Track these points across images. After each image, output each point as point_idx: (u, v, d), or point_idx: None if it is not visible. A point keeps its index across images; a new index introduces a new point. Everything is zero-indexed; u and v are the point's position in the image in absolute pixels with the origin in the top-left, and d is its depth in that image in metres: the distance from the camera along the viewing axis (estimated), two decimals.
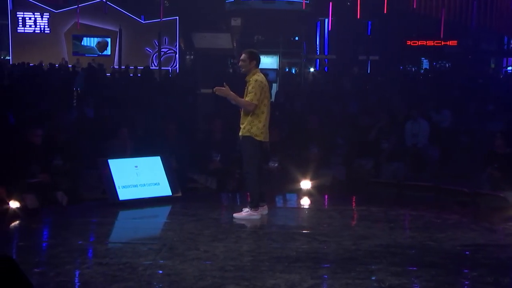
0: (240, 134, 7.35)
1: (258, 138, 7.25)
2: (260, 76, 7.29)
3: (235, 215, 7.43)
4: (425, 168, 10.62)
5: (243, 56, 7.36)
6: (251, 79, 7.25)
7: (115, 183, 8.24)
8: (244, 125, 7.28)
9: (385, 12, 31.36)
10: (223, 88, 7.27)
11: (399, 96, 14.99)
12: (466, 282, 5.43)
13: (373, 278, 5.39)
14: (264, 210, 7.57)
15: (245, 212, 7.42)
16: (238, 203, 8.89)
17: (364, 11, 31.00)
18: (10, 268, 3.66)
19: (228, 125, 10.65)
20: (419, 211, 8.19)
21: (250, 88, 7.20)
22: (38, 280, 5.02)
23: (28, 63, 24.11)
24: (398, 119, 11.95)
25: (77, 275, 5.49)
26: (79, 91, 18.33)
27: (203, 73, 24.27)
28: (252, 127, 7.24)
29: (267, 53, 26.51)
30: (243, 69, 7.39)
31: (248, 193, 7.48)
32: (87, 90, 17.37)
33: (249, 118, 7.24)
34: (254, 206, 7.39)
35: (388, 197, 9.32)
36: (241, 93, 7.38)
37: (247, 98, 7.21)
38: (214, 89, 7.43)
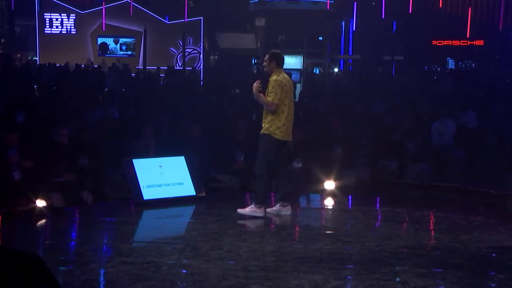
0: (261, 132, 7.51)
1: (276, 137, 7.37)
2: (280, 76, 7.43)
3: (239, 210, 7.54)
4: (450, 169, 10.52)
5: (265, 56, 7.58)
6: (271, 79, 7.42)
7: (139, 182, 8.29)
8: (264, 124, 7.45)
9: (410, 11, 31.12)
10: (255, 84, 7.49)
11: (424, 96, 14.86)
12: (493, 285, 5.37)
13: (398, 279, 5.35)
14: (287, 210, 7.65)
15: (250, 208, 7.52)
16: (264, 203, 8.90)
17: (389, 11, 30.81)
18: (37, 267, 3.70)
19: (252, 125, 10.68)
20: (445, 213, 8.11)
21: (270, 88, 7.37)
22: (64, 279, 5.07)
23: (55, 64, 24.39)
24: (423, 120, 11.85)
25: (102, 274, 5.54)
26: (104, 92, 18.50)
27: (227, 73, 24.32)
28: (271, 125, 7.38)
29: (291, 53, 26.45)
30: (265, 69, 7.61)
31: (255, 190, 7.66)
32: (112, 90, 17.52)
33: (270, 117, 7.40)
34: (259, 202, 7.50)
35: (412, 198, 9.25)
36: (263, 93, 7.48)
37: (268, 98, 7.36)
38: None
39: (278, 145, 7.45)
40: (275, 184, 7.95)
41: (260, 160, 7.47)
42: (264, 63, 7.58)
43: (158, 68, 23.96)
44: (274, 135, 7.38)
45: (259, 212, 7.48)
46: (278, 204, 7.69)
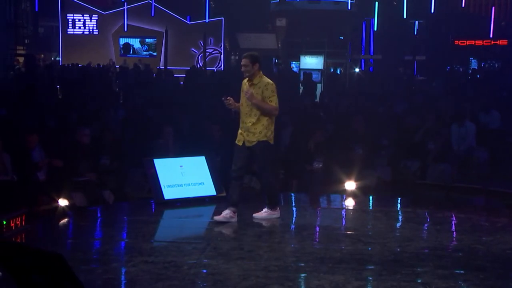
0: (251, 139, 7.17)
1: (271, 142, 7.24)
2: (268, 79, 7.26)
3: (254, 215, 7.40)
4: (473, 170, 10.42)
5: (244, 61, 7.16)
6: (260, 82, 7.14)
7: (160, 182, 8.32)
8: (259, 130, 7.12)
9: (432, 11, 30.89)
10: (231, 99, 7.27)
11: (446, 97, 14.74)
12: None
13: (419, 280, 5.32)
14: (234, 217, 7.29)
15: (265, 212, 7.40)
16: (282, 203, 8.89)
17: (411, 11, 30.61)
18: (59, 265, 3.74)
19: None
20: (467, 214, 8.03)
21: (268, 92, 7.08)
22: (86, 277, 5.10)
23: (77, 64, 24.60)
24: (445, 120, 11.76)
25: (123, 273, 5.58)
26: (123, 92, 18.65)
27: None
28: (268, 131, 7.16)
29: (312, 53, 26.38)
30: (247, 74, 7.18)
31: (268, 197, 7.45)
32: (133, 90, 17.62)
33: (265, 122, 7.13)
34: (274, 205, 7.40)
35: (434, 199, 9.17)
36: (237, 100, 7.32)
37: (272, 104, 7.12)
38: (225, 99, 7.31)
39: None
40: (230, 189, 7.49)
41: (267, 169, 7.33)
42: (245, 68, 7.12)
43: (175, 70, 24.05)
44: (271, 141, 7.23)
45: (276, 214, 7.39)
46: (229, 210, 7.25)
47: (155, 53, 30.88)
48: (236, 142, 7.31)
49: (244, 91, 7.20)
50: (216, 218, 7.27)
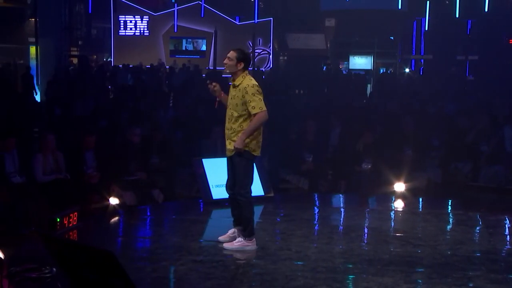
0: (230, 147, 6.10)
1: (255, 154, 6.11)
2: (253, 80, 6.09)
3: (225, 245, 6.23)
4: None
5: (230, 53, 6.12)
6: (241, 84, 6.02)
7: (209, 182, 8.40)
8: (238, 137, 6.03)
9: (486, 10, 30.21)
10: (216, 85, 6.31)
11: (499, 97, 14.41)
12: None
13: (471, 285, 5.22)
14: (252, 245, 6.18)
15: (237, 242, 6.21)
16: (332, 204, 8.88)
17: (464, 10, 30.01)
18: (111, 263, 3.80)
19: (321, 126, 10.63)
20: None
21: (249, 95, 5.92)
22: (136, 275, 5.17)
23: (128, 65, 25.00)
24: (499, 121, 11.49)
25: (172, 272, 5.64)
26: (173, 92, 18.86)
27: (296, 74, 24.31)
28: (251, 140, 6.02)
29: (361, 53, 26.21)
30: (227, 70, 6.16)
31: (242, 222, 6.18)
32: (183, 90, 17.80)
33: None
34: (248, 234, 6.16)
35: (487, 201, 8.98)
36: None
37: (253, 104, 5.91)
38: (210, 83, 6.33)
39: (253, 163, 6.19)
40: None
41: (243, 183, 6.08)
42: (228, 62, 6.07)
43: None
44: (253, 152, 6.07)
45: (250, 245, 6.15)
46: (241, 238, 6.21)
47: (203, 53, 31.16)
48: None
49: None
50: (226, 245, 6.25)
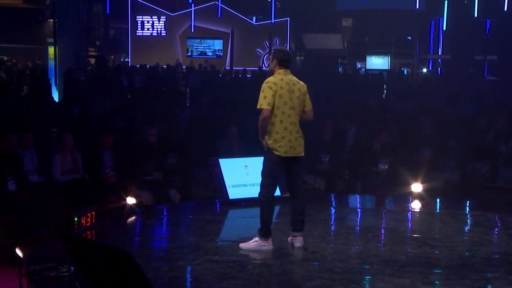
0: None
1: (276, 153, 6.09)
2: (276, 78, 6.10)
3: (241, 245, 6.26)
4: None
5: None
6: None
7: (225, 182, 8.40)
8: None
9: (505, 9, 29.93)
10: None
11: None
12: None
13: (489, 286, 5.19)
14: (297, 242, 6.29)
15: (254, 242, 6.24)
16: (348, 204, 8.84)
17: (482, 9, 29.76)
18: (128, 262, 3.82)
19: (338, 126, 10.60)
20: None
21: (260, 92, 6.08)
22: (152, 275, 5.20)
23: (145, 65, 25.11)
24: None
25: (188, 271, 5.67)
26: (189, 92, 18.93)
27: (313, 74, 24.28)
28: (269, 138, 6.11)
29: (379, 53, 26.09)
30: (268, 69, 6.43)
31: (260, 219, 6.24)
32: (199, 90, 17.84)
33: (269, 127, 6.13)
34: (264, 234, 6.19)
35: (506, 202, 8.89)
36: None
37: (258, 101, 6.09)
38: None
39: (283, 163, 6.18)
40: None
41: (262, 183, 6.22)
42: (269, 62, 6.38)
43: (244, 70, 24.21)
44: (274, 152, 6.09)
45: (266, 245, 6.18)
46: (258, 238, 6.24)
47: (220, 54, 31.21)
48: None
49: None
50: (242, 245, 6.26)
